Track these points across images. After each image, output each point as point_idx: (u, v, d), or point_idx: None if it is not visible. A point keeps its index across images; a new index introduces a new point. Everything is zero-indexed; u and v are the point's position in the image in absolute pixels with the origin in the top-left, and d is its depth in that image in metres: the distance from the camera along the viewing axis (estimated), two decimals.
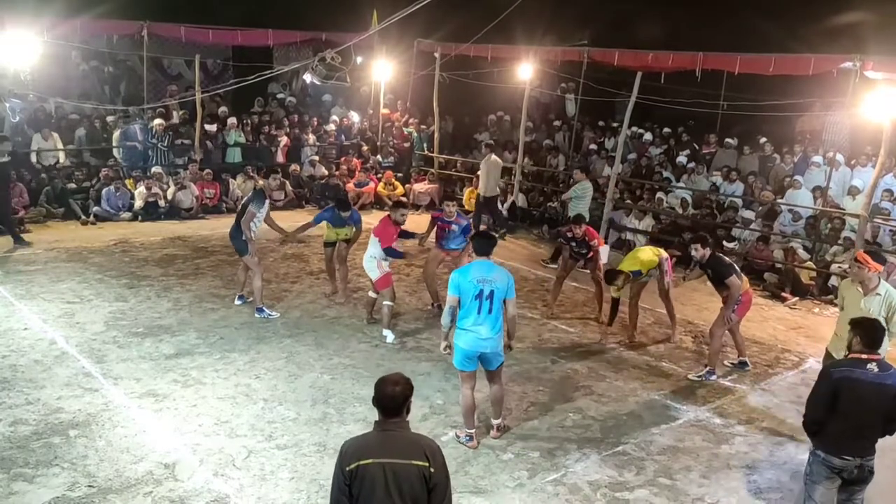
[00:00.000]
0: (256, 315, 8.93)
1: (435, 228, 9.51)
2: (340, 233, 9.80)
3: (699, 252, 7.85)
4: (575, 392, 7.38)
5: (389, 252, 8.49)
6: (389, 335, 8.44)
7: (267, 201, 9.16)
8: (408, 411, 3.67)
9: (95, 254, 11.22)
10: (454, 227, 9.32)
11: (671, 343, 8.90)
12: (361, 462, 3.48)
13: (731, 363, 8.28)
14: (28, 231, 12.24)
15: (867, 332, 4.72)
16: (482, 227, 12.80)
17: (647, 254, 8.76)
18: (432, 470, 3.50)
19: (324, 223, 9.69)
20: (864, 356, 4.64)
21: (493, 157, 13.88)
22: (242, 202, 9.42)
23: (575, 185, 12.46)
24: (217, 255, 11.49)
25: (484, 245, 6.19)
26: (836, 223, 11.68)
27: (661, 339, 9.00)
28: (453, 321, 6.01)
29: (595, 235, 9.76)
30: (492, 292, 5.90)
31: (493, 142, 15.12)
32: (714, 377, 7.89)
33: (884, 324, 5.34)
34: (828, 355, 6.30)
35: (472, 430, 6.20)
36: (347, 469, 3.49)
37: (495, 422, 6.38)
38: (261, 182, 9.43)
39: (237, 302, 9.36)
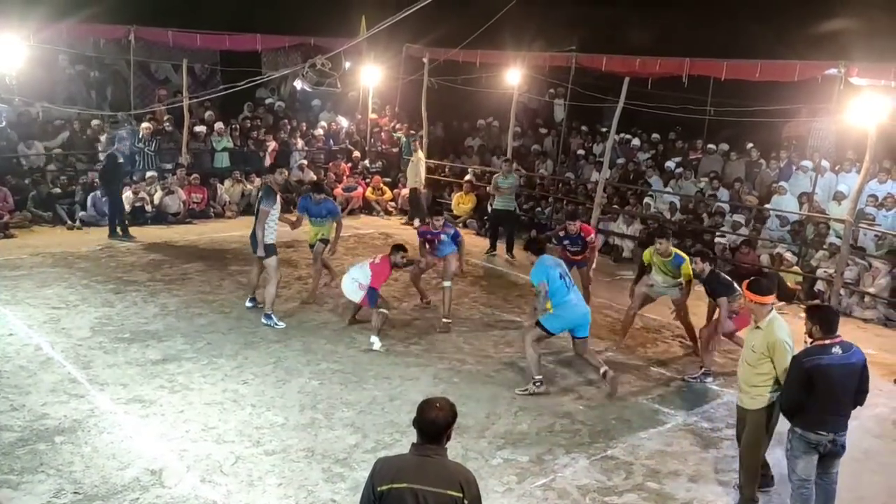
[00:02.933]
0: (263, 321, 8.81)
1: (424, 244, 9.51)
2: (317, 231, 9.85)
3: (699, 266, 7.85)
4: (564, 397, 7.39)
5: (372, 294, 8.35)
6: (377, 342, 8.34)
7: (278, 196, 8.93)
8: (448, 438, 3.54)
9: (82, 259, 11.14)
10: (443, 236, 9.33)
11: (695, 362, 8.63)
12: (395, 485, 3.38)
13: (692, 378, 8.02)
14: (13, 236, 12.15)
15: (824, 318, 5.14)
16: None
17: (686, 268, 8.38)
18: (466, 501, 3.39)
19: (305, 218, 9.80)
20: (826, 341, 5.05)
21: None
22: (256, 204, 9.09)
23: (497, 175, 12.78)
24: (205, 260, 11.43)
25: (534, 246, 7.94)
26: (822, 228, 11.77)
27: (649, 344, 9.01)
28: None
29: (591, 232, 9.73)
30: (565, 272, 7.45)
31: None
32: (710, 379, 7.89)
33: (758, 365, 5.33)
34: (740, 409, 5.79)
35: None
36: (379, 489, 3.40)
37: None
38: (277, 177, 9.31)
39: (248, 304, 9.35)
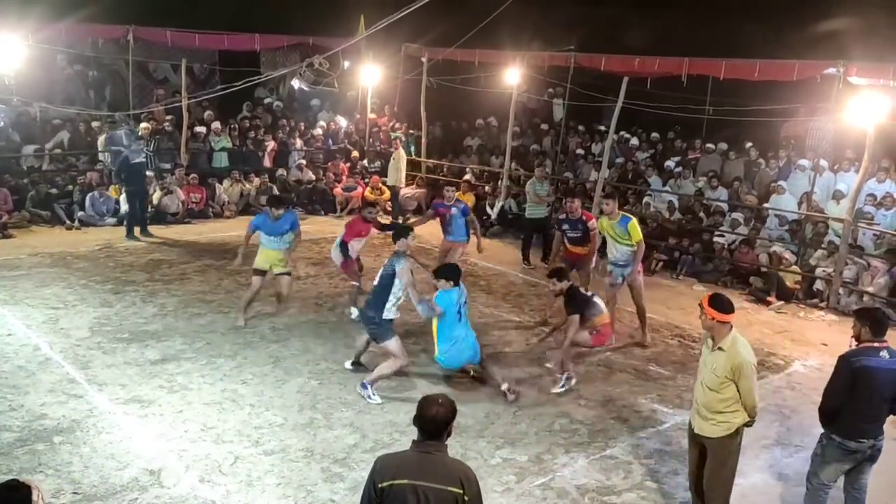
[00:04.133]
0: (358, 389, 7.14)
1: (437, 217, 9.77)
2: (272, 256, 8.65)
3: (556, 287, 7.60)
4: (562, 397, 7.38)
5: (343, 247, 8.83)
6: (353, 312, 8.86)
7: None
8: (448, 435, 3.55)
9: (80, 259, 11.14)
10: (454, 210, 9.58)
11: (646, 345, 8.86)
12: (396, 482, 3.40)
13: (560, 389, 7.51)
14: (12, 236, 12.15)
15: (875, 321, 4.97)
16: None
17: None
18: (466, 498, 3.40)
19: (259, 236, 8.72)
20: (875, 344, 4.91)
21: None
22: (385, 270, 7.38)
23: (532, 182, 12.76)
24: (203, 260, 11.43)
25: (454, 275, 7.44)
26: (821, 227, 11.77)
27: (647, 344, 9.01)
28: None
29: (592, 218, 9.56)
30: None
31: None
32: (574, 381, 7.55)
33: (721, 390, 4.89)
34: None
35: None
36: (380, 486, 3.41)
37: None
38: (409, 241, 7.63)
39: (348, 366, 7.72)
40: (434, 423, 3.49)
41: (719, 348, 4.93)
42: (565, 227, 9.46)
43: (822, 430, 5.17)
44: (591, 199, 13.47)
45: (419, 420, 3.52)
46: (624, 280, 8.79)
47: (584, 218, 9.38)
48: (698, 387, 5.12)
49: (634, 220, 8.65)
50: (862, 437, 4.94)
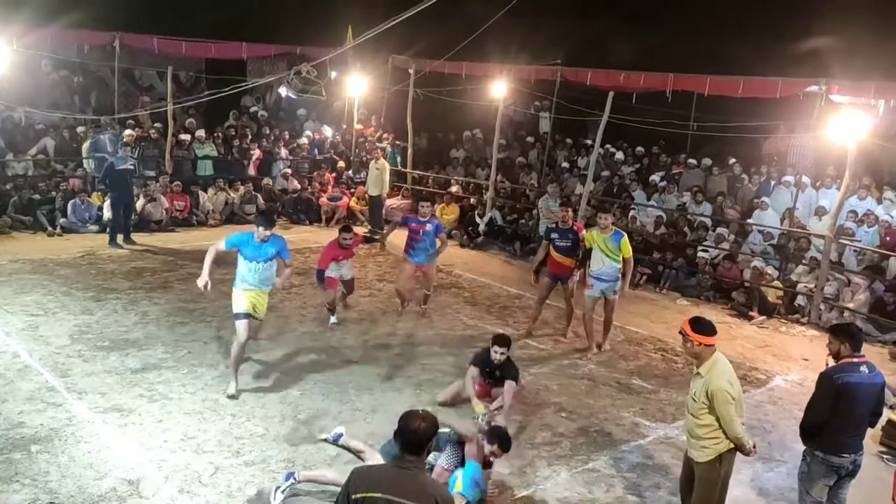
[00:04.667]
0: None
1: (407, 234, 9.48)
2: (253, 298, 7.09)
3: (496, 356, 6.75)
4: (545, 409, 7.39)
5: (319, 276, 8.79)
6: (333, 318, 9.24)
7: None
8: (428, 452, 3.53)
9: (61, 266, 11.03)
10: (428, 226, 9.26)
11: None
12: (370, 494, 3.38)
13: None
14: None
15: (852, 337, 5.04)
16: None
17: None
18: None
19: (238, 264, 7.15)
20: (855, 359, 4.95)
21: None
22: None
23: (545, 199, 12.69)
24: (186, 269, 11.33)
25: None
26: (803, 243, 11.89)
27: (630, 357, 9.04)
28: None
29: (581, 228, 9.38)
30: None
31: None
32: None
33: (701, 416, 4.77)
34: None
35: None
36: (353, 497, 3.40)
37: None
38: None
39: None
40: (416, 436, 3.46)
41: (698, 373, 4.86)
42: (554, 236, 9.20)
43: (803, 447, 5.19)
44: (576, 211, 13.55)
45: (401, 433, 3.49)
46: (603, 295, 8.85)
47: (575, 228, 9.19)
48: (686, 412, 5.06)
49: (626, 237, 8.74)
50: (844, 451, 4.98)
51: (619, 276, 8.77)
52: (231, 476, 5.74)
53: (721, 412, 4.72)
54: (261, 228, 7.01)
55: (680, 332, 4.96)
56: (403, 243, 9.82)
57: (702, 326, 4.87)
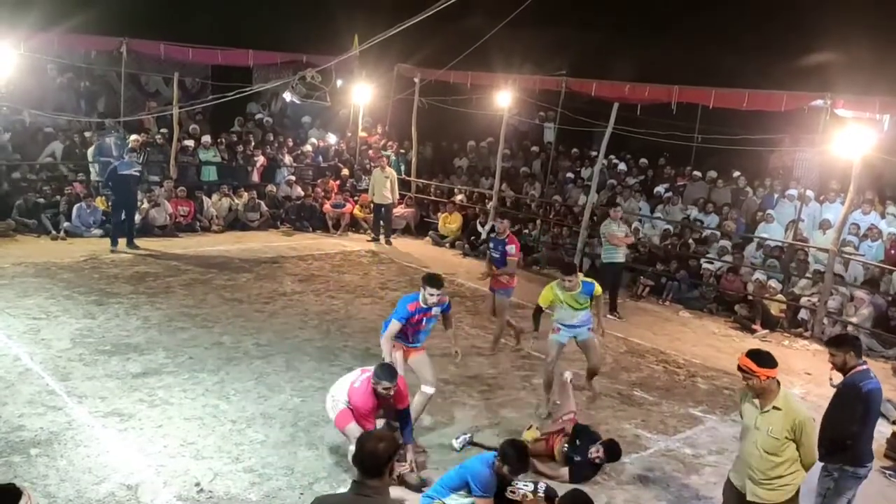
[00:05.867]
0: None
1: (406, 326, 6.59)
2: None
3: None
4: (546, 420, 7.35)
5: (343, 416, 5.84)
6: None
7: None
8: (390, 473, 3.39)
9: (64, 269, 11.04)
10: (434, 311, 6.58)
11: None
12: None
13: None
14: None
15: (856, 344, 5.07)
16: None
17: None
18: None
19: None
20: (863, 367, 4.92)
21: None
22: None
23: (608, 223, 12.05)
24: (189, 274, 11.36)
25: None
26: (801, 255, 11.88)
27: (632, 368, 9.01)
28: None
29: (514, 242, 8.94)
30: None
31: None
32: None
33: (781, 452, 4.46)
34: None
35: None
36: None
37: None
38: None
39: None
40: (374, 457, 3.26)
41: (774, 407, 4.47)
42: (491, 245, 9.27)
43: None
44: (580, 222, 13.55)
45: (359, 456, 3.32)
46: (575, 339, 7.59)
47: (506, 240, 8.89)
48: (751, 451, 4.59)
49: (597, 285, 7.50)
50: (869, 461, 4.95)
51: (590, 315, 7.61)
52: (230, 482, 5.72)
53: (808, 441, 4.49)
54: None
55: (740, 369, 4.55)
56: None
57: (764, 360, 4.49)
